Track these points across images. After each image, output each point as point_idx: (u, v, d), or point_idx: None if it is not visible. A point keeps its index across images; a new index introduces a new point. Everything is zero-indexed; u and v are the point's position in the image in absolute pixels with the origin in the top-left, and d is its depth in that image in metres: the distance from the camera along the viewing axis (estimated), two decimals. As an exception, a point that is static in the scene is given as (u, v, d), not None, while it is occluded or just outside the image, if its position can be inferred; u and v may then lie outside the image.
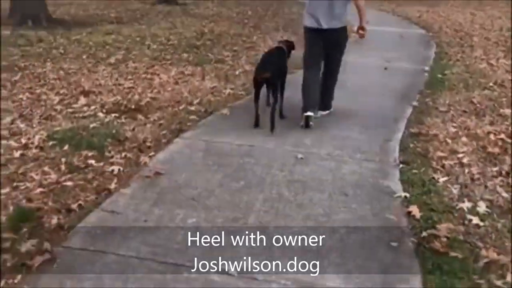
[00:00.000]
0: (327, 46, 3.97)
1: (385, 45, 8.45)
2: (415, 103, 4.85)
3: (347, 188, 2.82)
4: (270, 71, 3.76)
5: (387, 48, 8.20)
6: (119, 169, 2.87)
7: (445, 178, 3.05)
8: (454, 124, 4.20)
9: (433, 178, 3.04)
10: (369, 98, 5.01)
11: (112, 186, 2.66)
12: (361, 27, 4.08)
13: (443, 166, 3.27)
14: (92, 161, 2.96)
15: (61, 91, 4.70)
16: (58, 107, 4.12)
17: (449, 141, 3.78)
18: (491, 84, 5.81)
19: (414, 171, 3.13)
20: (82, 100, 4.33)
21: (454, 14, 15.34)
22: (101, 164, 2.95)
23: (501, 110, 4.70)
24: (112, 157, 3.07)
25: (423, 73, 6.43)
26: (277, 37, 9.37)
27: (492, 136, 3.91)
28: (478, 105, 4.89)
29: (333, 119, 4.23)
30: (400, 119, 4.32)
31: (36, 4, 9.63)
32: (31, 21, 9.25)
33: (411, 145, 3.65)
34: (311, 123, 3.86)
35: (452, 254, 2.23)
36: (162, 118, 3.96)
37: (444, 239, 2.35)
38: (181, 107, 4.31)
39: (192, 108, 4.30)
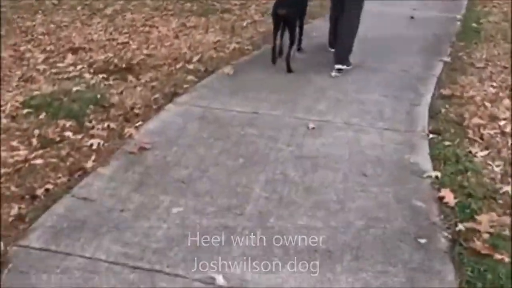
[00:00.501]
0: None
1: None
2: (446, 59, 4.23)
3: (366, 167, 2.36)
4: (288, 8, 3.67)
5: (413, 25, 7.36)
6: (99, 143, 2.45)
7: (485, 153, 2.55)
8: (494, 84, 3.62)
9: (470, 152, 2.54)
10: (393, 53, 4.40)
11: (89, 164, 2.25)
12: None
13: (481, 136, 2.76)
14: (69, 133, 2.54)
15: (48, 48, 4.24)
16: (42, 67, 3.67)
17: (488, 104, 3.24)
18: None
19: (447, 143, 2.63)
20: (69, 58, 3.87)
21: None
22: (79, 136, 2.54)
23: (548, 65, 4.08)
24: (93, 127, 2.65)
25: (455, 22, 5.72)
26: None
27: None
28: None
29: (351, 78, 3.69)
30: (429, 78, 3.75)
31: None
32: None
33: (443, 110, 3.12)
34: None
35: (497, 256, 1.79)
36: (155, 79, 3.49)
37: (486, 235, 1.90)
38: (178, 66, 3.81)
39: (191, 66, 3.80)
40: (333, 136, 2.68)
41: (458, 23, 5.65)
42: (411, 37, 4.99)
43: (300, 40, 4.17)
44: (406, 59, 4.22)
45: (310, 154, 2.46)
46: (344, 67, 3.78)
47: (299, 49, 4.17)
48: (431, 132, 2.77)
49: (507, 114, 3.07)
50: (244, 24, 5.33)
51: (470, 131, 2.81)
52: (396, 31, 5.21)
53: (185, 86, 3.40)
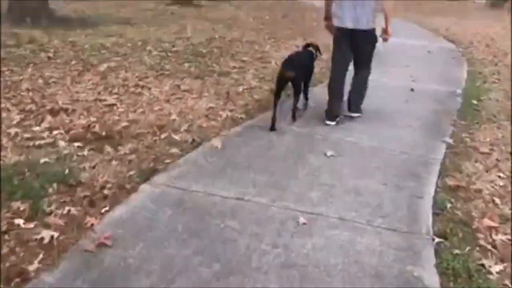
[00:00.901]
0: (355, 46, 4.00)
1: (411, 61, 7.58)
2: (448, 140, 4.00)
3: (362, 283, 2.02)
4: (295, 71, 3.84)
5: (414, 64, 7.33)
6: (52, 236, 2.10)
7: (500, 267, 2.21)
8: (501, 174, 3.35)
9: (482, 265, 2.22)
10: (393, 130, 4.18)
11: (33, 267, 1.89)
12: (385, 30, 4.05)
13: (494, 243, 2.43)
14: (20, 221, 2.21)
15: (28, 107, 3.98)
16: (14, 130, 3.39)
17: (498, 201, 2.95)
18: (538, 117, 4.93)
19: (456, 251, 2.30)
20: (47, 122, 3.60)
21: (485, 27, 14.31)
22: (32, 225, 2.20)
23: (557, 156, 3.83)
24: (50, 213, 2.31)
25: (455, 97, 5.57)
26: (292, 46, 8.60)
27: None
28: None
29: (348, 159, 3.42)
30: (431, 163, 3.48)
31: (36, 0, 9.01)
32: (29, 18, 8.64)
33: (448, 206, 2.82)
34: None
35: None
36: (135, 151, 3.20)
37: None
38: (163, 135, 3.55)
39: (177, 137, 3.54)
40: (325, 236, 2.35)
41: (458, 98, 5.49)
42: (411, 112, 4.80)
43: (305, 105, 4.46)
44: (407, 138, 3.99)
45: (299, 261, 2.11)
46: (358, 114, 4.28)
47: (305, 107, 4.46)
48: (436, 235, 2.45)
49: (520, 215, 2.77)
50: (240, 89, 5.15)
51: (481, 236, 2.49)
52: (396, 105, 5.04)
53: (166, 161, 3.11)
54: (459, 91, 5.87)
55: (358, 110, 4.29)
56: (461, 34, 12.01)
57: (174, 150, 3.28)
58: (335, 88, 4.13)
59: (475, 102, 5.36)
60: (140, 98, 4.50)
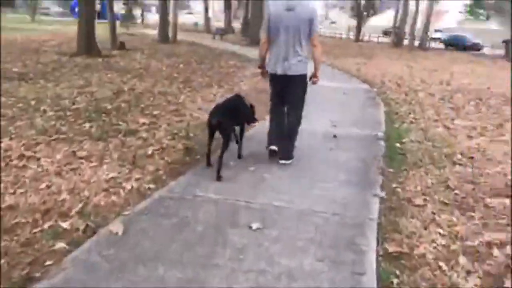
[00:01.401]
0: (287, 90, 4.22)
1: (329, 104, 7.53)
2: (380, 193, 3.71)
3: None
4: (222, 118, 3.87)
5: (332, 108, 7.27)
6: None
7: None
8: (441, 231, 3.06)
9: None
10: (322, 186, 3.81)
11: None
12: (316, 76, 4.30)
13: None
14: None
15: None
16: None
17: (444, 266, 2.61)
18: (459, 156, 4.89)
19: None
20: None
21: (392, 66, 15.21)
22: None
23: (488, 200, 3.68)
24: None
25: (378, 141, 5.43)
26: (209, 95, 8.22)
27: (496, 252, 2.81)
28: (457, 192, 3.85)
29: (275, 234, 2.92)
30: (367, 224, 3.11)
31: None
32: None
33: (395, 281, 2.43)
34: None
35: None
36: (4, 255, 2.45)
37: None
38: (47, 224, 2.82)
39: (65, 224, 2.83)
40: None
41: (381, 142, 5.36)
42: (338, 162, 4.51)
43: (239, 149, 4.42)
44: (337, 195, 3.62)
45: None
46: (290, 161, 4.29)
47: (239, 156, 4.40)
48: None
49: (471, 283, 2.44)
50: (150, 151, 4.55)
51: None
52: (321, 154, 4.74)
53: (48, 262, 2.40)
54: (380, 134, 5.77)
55: (289, 157, 4.31)
56: (372, 74, 12.53)
57: (60, 245, 2.57)
58: (276, 128, 4.35)
59: (398, 145, 5.25)
60: (23, 174, 3.71)
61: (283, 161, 4.25)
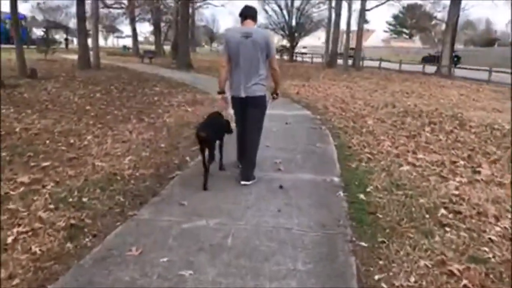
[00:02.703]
0: (247, 111, 4.38)
1: (272, 138, 6.28)
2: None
3: None
4: (207, 132, 4.22)
5: (275, 143, 6.03)
6: None
7: None
8: None
9: None
10: (270, 276, 2.47)
11: None
12: (276, 93, 4.65)
13: None
14: None
15: None
16: None
17: None
18: (443, 211, 3.77)
19: None
20: None
21: (331, 88, 14.45)
22: None
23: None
24: None
25: (337, 192, 4.22)
26: (123, 133, 6.67)
27: None
28: (458, 274, 2.68)
29: None
30: None
31: None
32: None
33: None
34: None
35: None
36: None
37: None
38: None
39: None
40: None
41: (341, 193, 4.15)
42: (291, 237, 3.19)
43: (221, 160, 4.75)
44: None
45: None
46: (250, 182, 4.35)
47: (220, 168, 4.74)
48: None
49: None
50: (14, 234, 2.98)
51: None
52: (266, 222, 3.41)
53: None
54: (336, 179, 4.59)
55: (250, 177, 4.41)
56: (312, 97, 11.57)
57: None
58: (243, 149, 4.53)
59: (362, 197, 4.06)
60: None
61: (244, 182, 4.36)
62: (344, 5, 29.57)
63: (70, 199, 3.83)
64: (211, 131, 4.27)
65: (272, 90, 4.61)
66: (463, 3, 22.53)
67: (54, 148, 5.68)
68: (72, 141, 6.09)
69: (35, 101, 9.66)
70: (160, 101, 10.30)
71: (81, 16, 20.45)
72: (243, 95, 4.29)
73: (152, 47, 43.89)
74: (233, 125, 4.76)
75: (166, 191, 4.17)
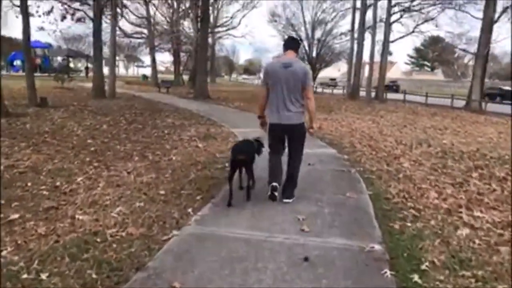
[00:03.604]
0: (288, 138, 4.66)
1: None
2: None
3: None
4: (246, 154, 4.57)
5: (298, 193, 5.01)
6: None
7: None
8: None
9: None
10: None
11: None
12: (311, 127, 4.74)
13: None
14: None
15: None
16: None
17: None
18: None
19: None
20: None
21: (356, 122, 13.42)
22: None
23: None
24: None
25: (380, 268, 3.15)
26: (120, 175, 5.75)
27: None
28: None
29: None
30: None
31: None
32: None
33: None
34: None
35: None
36: None
37: None
38: None
39: None
40: None
41: (388, 273, 3.09)
42: None
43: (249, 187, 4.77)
44: None
45: None
46: (292, 200, 4.66)
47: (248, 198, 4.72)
48: None
49: None
50: None
51: None
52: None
53: None
54: (378, 248, 3.53)
55: (291, 196, 4.68)
56: (337, 133, 10.55)
57: None
58: (275, 173, 4.65)
59: (418, 281, 2.98)
60: None
61: (286, 200, 4.62)
62: (367, 36, 28.91)
63: (25, 275, 2.87)
64: (247, 153, 4.61)
65: (308, 124, 4.70)
66: (494, 35, 21.50)
67: (34, 193, 4.80)
68: (58, 183, 5.21)
69: (35, 132, 8.92)
70: (170, 135, 9.44)
71: (97, 45, 20.16)
72: (281, 122, 4.53)
73: (172, 77, 43.88)
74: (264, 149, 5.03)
75: (154, 262, 3.18)
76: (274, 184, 4.58)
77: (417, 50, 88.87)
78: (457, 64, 76.02)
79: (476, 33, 21.43)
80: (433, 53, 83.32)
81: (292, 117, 4.50)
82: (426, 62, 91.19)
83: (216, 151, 7.56)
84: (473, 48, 25.21)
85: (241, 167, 4.71)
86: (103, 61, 22.74)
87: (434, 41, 67.04)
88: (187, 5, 35.03)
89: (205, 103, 19.56)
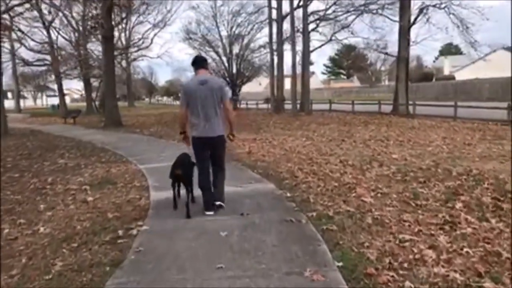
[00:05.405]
0: (212, 149, 4.97)
1: (223, 251, 3.32)
2: None
3: None
4: (182, 169, 4.98)
5: (229, 263, 3.06)
6: None
7: None
8: None
9: None
10: None
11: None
12: (231, 134, 5.15)
13: None
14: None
15: None
16: None
17: None
18: None
19: None
20: None
21: (288, 140, 11.75)
22: None
23: None
24: None
25: None
26: None
27: None
28: None
29: None
30: None
31: None
32: None
33: None
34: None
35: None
36: None
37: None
38: None
39: None
40: None
41: None
42: None
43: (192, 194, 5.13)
44: None
45: None
46: (222, 203, 4.96)
47: (193, 201, 5.14)
48: None
49: None
50: None
51: None
52: None
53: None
54: None
55: (222, 199, 5.00)
56: (270, 157, 8.75)
57: None
58: (204, 185, 4.94)
59: None
60: None
61: (218, 202, 4.95)
62: (286, 46, 27.99)
63: None
64: (184, 168, 5.00)
65: (228, 132, 5.04)
66: (412, 37, 21.36)
67: None
68: None
69: None
70: (54, 185, 7.04)
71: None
72: (204, 135, 4.81)
73: (85, 104, 40.13)
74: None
75: None
76: (218, 203, 4.94)
77: (332, 59, 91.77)
78: (370, 70, 79.23)
79: (392, 37, 21.13)
80: (347, 61, 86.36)
81: (213, 129, 4.83)
82: (341, 70, 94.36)
83: (109, 208, 5.37)
84: (392, 51, 25.24)
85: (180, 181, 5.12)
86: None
87: (348, 50, 69.18)
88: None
89: (115, 132, 16.99)
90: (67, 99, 49.82)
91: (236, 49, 37.36)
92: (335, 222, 4.46)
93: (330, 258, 3.51)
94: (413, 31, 22.36)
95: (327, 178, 6.58)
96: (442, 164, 7.35)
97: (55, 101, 49.37)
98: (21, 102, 58.54)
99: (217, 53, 37.30)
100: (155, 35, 60.22)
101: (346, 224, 4.38)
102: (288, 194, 5.65)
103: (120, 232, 4.33)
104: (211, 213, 4.82)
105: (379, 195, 5.51)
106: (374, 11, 22.44)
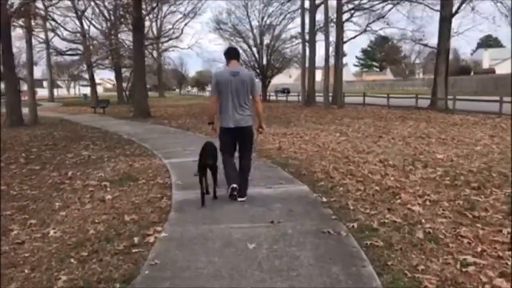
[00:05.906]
0: (239, 140, 5.04)
1: (250, 267, 2.79)
2: None
3: None
4: (213, 160, 4.96)
5: (257, 283, 2.51)
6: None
7: None
8: None
9: None
10: None
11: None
12: (260, 126, 5.21)
13: None
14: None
15: None
16: None
17: None
18: None
19: None
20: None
21: (321, 135, 11.10)
22: None
23: None
24: None
25: None
26: None
27: None
28: None
29: None
30: None
31: None
32: None
33: None
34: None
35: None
36: None
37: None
38: None
39: None
40: None
41: None
42: None
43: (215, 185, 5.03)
44: None
45: None
46: (245, 198, 4.91)
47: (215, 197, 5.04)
48: None
49: None
50: None
51: None
52: None
53: None
54: None
55: (244, 195, 4.94)
56: (302, 155, 8.14)
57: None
58: (230, 174, 4.96)
59: None
60: None
61: (240, 199, 4.89)
62: (319, 37, 27.13)
63: None
64: (214, 159, 4.98)
65: (256, 125, 5.15)
66: (455, 27, 20.12)
67: None
68: None
69: None
70: (73, 179, 6.69)
71: (9, 65, 16.88)
72: (233, 125, 4.88)
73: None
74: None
75: None
76: (234, 186, 4.88)
77: (364, 51, 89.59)
78: (404, 62, 76.85)
79: (431, 27, 19.97)
80: (381, 53, 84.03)
81: (242, 120, 4.89)
82: (374, 63, 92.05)
83: (127, 208, 4.92)
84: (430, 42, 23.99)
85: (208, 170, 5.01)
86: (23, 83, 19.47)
87: (382, 41, 67.18)
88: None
89: (143, 123, 16.75)
90: (101, 89, 50.46)
91: (267, 39, 36.72)
92: (380, 235, 3.85)
93: (380, 285, 2.92)
94: (454, 21, 21.11)
95: (367, 180, 5.94)
96: (495, 167, 6.58)
97: (87, 90, 50.16)
98: (55, 91, 59.84)
99: (247, 43, 36.73)
100: (185, 25, 60.41)
101: (393, 238, 3.77)
102: (324, 199, 5.05)
103: (136, 240, 3.87)
104: (243, 199, 4.89)
105: (427, 202, 4.85)
106: (414, 0, 21.26)
